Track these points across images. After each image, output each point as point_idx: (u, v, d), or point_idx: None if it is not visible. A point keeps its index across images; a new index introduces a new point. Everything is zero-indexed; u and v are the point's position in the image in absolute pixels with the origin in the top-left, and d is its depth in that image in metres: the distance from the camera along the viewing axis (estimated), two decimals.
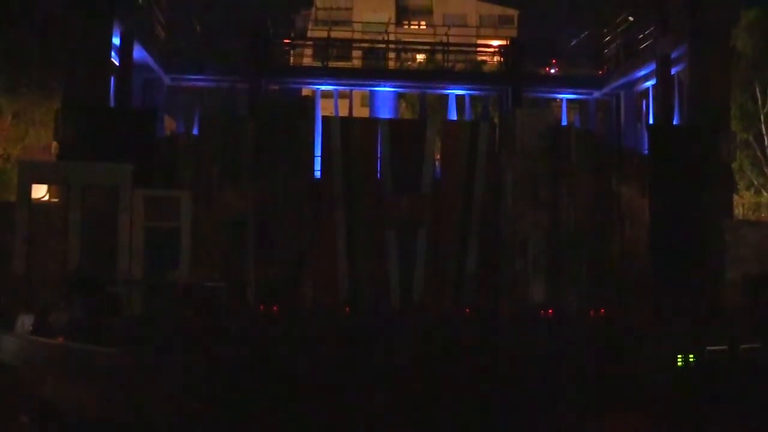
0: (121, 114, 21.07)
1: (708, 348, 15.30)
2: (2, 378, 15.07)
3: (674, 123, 22.85)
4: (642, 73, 24.70)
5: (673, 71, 23.13)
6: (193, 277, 18.50)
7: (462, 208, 21.45)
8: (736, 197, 25.81)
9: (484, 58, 32.31)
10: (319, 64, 28.19)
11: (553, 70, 29.77)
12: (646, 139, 22.73)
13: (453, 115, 26.34)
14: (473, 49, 31.92)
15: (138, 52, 22.55)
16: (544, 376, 14.31)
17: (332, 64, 27.84)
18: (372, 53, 29.94)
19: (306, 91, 27.62)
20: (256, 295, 19.72)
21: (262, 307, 18.97)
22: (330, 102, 26.70)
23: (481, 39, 36.37)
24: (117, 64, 21.97)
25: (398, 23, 48.72)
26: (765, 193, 28.21)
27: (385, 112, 25.87)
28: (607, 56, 27.46)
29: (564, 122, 26.35)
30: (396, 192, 21.21)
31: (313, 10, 50.48)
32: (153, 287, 18.06)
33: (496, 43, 32.91)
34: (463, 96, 26.80)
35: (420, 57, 35.24)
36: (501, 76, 26.82)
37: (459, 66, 30.20)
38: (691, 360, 15.18)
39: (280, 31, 31.56)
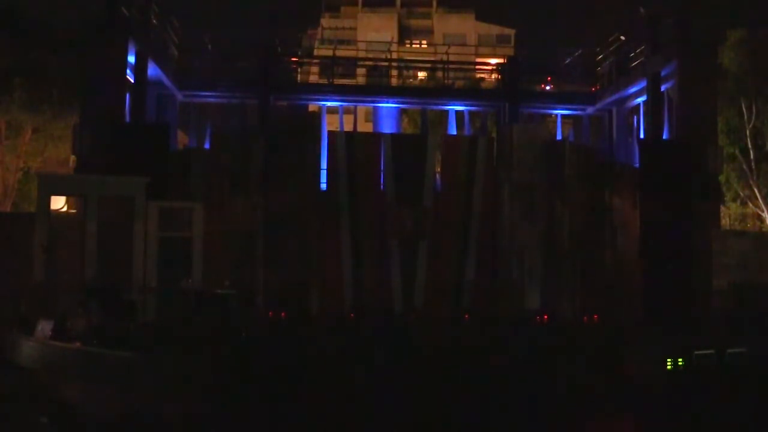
0: (136, 129, 21.67)
1: (696, 352, 16.06)
2: (23, 381, 15.81)
3: (664, 137, 23.44)
4: (633, 89, 25.24)
5: (662, 88, 23.72)
6: (205, 284, 18.97)
7: (461, 219, 22.23)
8: (722, 208, 26.46)
9: (482, 75, 32.79)
10: (325, 81, 28.65)
11: (548, 87, 29.82)
12: (637, 153, 23.31)
13: (453, 130, 26.88)
14: (472, 66, 32.19)
15: (152, 70, 23.15)
16: (539, 379, 15.03)
17: (337, 81, 28.29)
18: (375, 71, 30.06)
19: (312, 106, 27.78)
20: (265, 302, 20.33)
21: (270, 313, 19.48)
22: (335, 117, 27.33)
23: (479, 57, 36.68)
24: (132, 81, 22.53)
25: (401, 42, 49.37)
26: (750, 205, 28.67)
27: (388, 127, 26.39)
28: (600, 74, 27.88)
29: (559, 137, 26.86)
30: (398, 203, 21.99)
31: (320, 29, 51.17)
32: (166, 294, 18.59)
33: (494, 61, 33.13)
34: (462, 112, 27.31)
35: (421, 74, 35.69)
36: (498, 92, 27.38)
37: (458, 83, 30.67)
38: (680, 363, 15.93)
39: (287, 49, 31.89)
